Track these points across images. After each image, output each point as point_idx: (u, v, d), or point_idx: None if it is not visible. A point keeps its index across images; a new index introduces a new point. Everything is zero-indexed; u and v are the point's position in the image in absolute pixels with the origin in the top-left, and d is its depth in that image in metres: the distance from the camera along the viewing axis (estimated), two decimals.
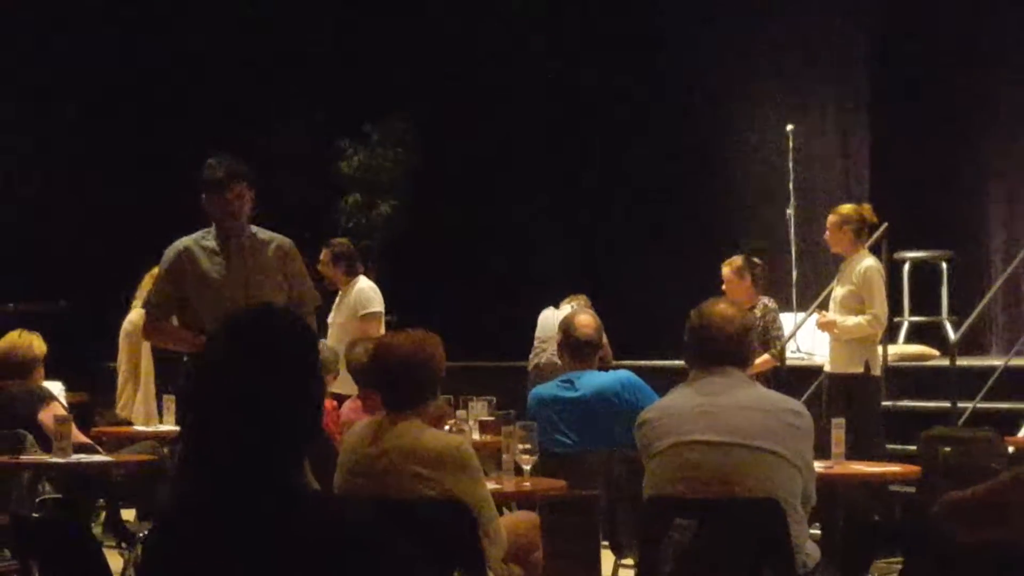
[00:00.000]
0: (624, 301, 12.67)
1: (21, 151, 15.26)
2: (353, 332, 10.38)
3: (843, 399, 9.39)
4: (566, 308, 11.40)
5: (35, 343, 8.85)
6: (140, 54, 15.96)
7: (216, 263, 7.19)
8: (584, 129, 15.17)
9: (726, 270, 10.34)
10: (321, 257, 11.00)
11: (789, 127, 12.26)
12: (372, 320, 10.67)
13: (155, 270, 10.53)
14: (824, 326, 9.67)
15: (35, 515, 7.74)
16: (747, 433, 5.24)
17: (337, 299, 11.03)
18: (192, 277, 7.17)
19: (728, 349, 5.42)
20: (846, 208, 9.80)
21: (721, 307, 5.58)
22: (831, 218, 9.70)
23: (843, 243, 9.65)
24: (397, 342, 5.60)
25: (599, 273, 13.81)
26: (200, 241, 7.23)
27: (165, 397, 9.90)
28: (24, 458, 8.13)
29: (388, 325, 10.83)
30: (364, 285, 10.91)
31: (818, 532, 6.66)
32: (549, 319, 11.95)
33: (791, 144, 12.23)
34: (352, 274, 10.94)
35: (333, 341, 10.35)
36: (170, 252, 7.27)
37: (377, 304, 10.78)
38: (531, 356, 12.29)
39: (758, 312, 10.08)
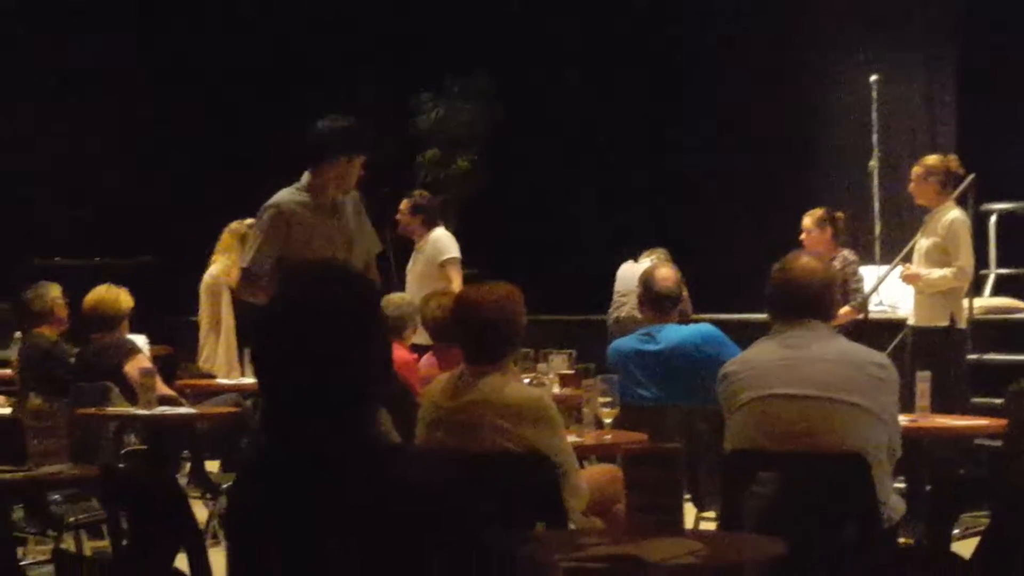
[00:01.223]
0: (704, 254, 12.60)
1: (108, 116, 15.37)
2: (433, 281, 10.45)
3: (928, 352, 9.30)
4: (645, 261, 11.35)
5: (122, 297, 8.94)
6: (213, 14, 16.03)
7: (318, 222, 7.20)
8: (664, 83, 15.07)
9: (807, 220, 10.29)
10: (400, 207, 11.03)
11: (873, 77, 12.09)
12: (452, 265, 10.72)
13: (235, 225, 10.71)
14: (909, 279, 9.58)
15: (122, 466, 7.84)
16: (831, 386, 5.20)
17: (414, 251, 11.06)
18: (297, 237, 7.16)
19: (811, 302, 5.38)
20: (931, 159, 9.69)
21: (804, 260, 5.53)
22: (916, 169, 9.60)
23: (928, 195, 9.55)
24: (480, 296, 5.58)
25: (679, 226, 13.72)
26: (298, 199, 7.21)
27: (247, 350, 9.95)
28: (110, 410, 8.22)
29: (467, 279, 10.84)
30: (440, 234, 10.94)
31: (903, 486, 6.62)
32: (628, 272, 11.90)
33: (875, 95, 12.08)
34: (430, 226, 10.97)
35: (412, 292, 10.39)
36: (270, 213, 7.21)
37: (454, 250, 10.82)
38: (610, 310, 12.26)
39: (837, 264, 10.02)
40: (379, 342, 3.06)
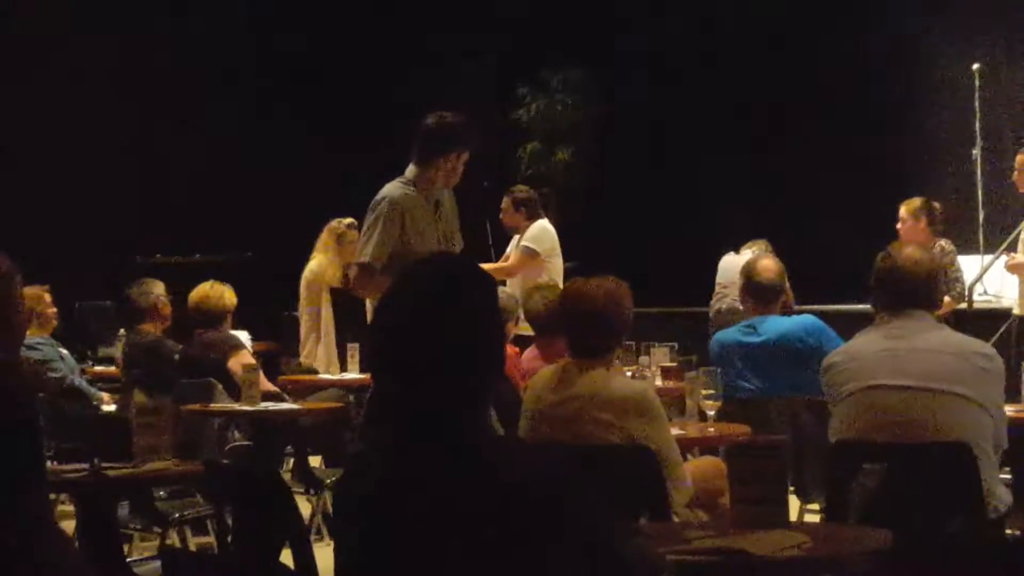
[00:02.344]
0: (805, 245, 12.51)
1: (208, 114, 15.52)
2: (528, 272, 10.47)
3: None
4: (747, 253, 11.30)
5: (226, 294, 9.00)
6: (310, 9, 16.14)
7: (426, 215, 7.22)
8: (763, 75, 15.00)
9: (903, 211, 10.20)
10: (503, 205, 11.04)
11: (975, 66, 11.97)
12: (527, 255, 10.68)
13: (334, 224, 10.79)
14: (1014, 268, 9.48)
15: (226, 462, 7.90)
16: (936, 376, 5.15)
17: (512, 244, 11.06)
18: (409, 230, 7.17)
19: (917, 292, 5.34)
20: None
21: (909, 250, 5.48)
22: (1020, 158, 9.51)
23: None
24: (588, 290, 5.56)
25: (779, 217, 13.65)
26: (408, 194, 7.23)
27: (349, 346, 10.00)
28: (214, 406, 8.28)
29: (569, 272, 10.81)
30: (537, 226, 10.91)
31: (1009, 477, 6.54)
32: (730, 264, 11.85)
33: (977, 83, 11.95)
34: (533, 219, 10.96)
35: (511, 286, 10.40)
36: (386, 205, 7.18)
37: (535, 241, 10.76)
38: (712, 301, 12.21)
39: (935, 254, 9.90)
40: (496, 337, 3.07)
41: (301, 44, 16.02)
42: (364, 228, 7.35)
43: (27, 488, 3.81)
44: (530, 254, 10.72)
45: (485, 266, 10.06)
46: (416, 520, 2.94)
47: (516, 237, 11.03)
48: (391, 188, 7.24)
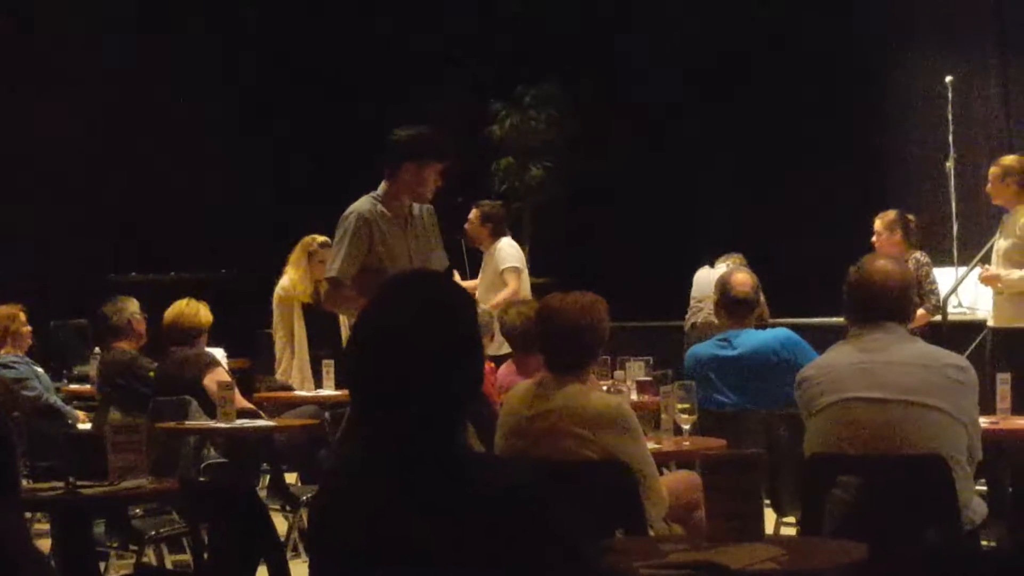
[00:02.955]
0: (779, 259, 12.55)
1: (183, 129, 15.50)
2: (498, 290, 10.50)
3: (1008, 354, 9.20)
4: (721, 267, 11.33)
5: (202, 312, 8.99)
6: (302, 25, 16.16)
7: (395, 231, 7.21)
8: (738, 88, 15.04)
9: (878, 223, 10.22)
10: (470, 216, 11.05)
11: (948, 78, 12.02)
12: (510, 274, 10.73)
13: (307, 239, 10.75)
14: (987, 280, 9.50)
15: (202, 479, 7.88)
16: (910, 389, 5.16)
17: (483, 262, 11.08)
18: (378, 245, 7.17)
19: (889, 304, 5.34)
20: (1009, 159, 9.59)
21: (881, 262, 5.49)
22: (993, 170, 9.52)
23: (1006, 195, 9.45)
24: (565, 305, 5.56)
25: (753, 231, 13.68)
26: (377, 208, 7.23)
27: (324, 362, 9.99)
28: (189, 423, 8.27)
29: (538, 287, 10.83)
30: (503, 243, 10.94)
31: (984, 489, 6.56)
32: (704, 278, 11.88)
33: (950, 95, 12.00)
34: (497, 235, 10.98)
35: (480, 301, 10.42)
36: (353, 220, 7.19)
37: (514, 259, 10.81)
38: (687, 315, 12.23)
39: (910, 267, 9.91)
40: (474, 354, 3.07)
41: (279, 64, 16.02)
42: (334, 243, 7.37)
43: (2, 507, 3.79)
44: (518, 272, 10.76)
45: (499, 297, 10.13)
46: (392, 537, 2.93)
47: (485, 257, 11.02)
48: (360, 203, 7.26)
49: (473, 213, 11.07)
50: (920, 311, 9.75)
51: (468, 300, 3.15)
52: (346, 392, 8.43)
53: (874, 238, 10.11)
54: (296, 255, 10.95)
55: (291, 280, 10.91)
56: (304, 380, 10.75)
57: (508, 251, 10.89)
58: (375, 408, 3.01)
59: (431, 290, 3.11)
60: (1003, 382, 7.05)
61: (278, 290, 11.04)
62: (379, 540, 2.95)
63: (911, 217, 10.29)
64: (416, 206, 7.33)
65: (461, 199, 11.15)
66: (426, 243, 7.32)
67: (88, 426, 9.33)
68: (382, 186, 7.28)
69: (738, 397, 7.21)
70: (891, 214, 10.20)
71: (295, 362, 10.92)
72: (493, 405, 7.05)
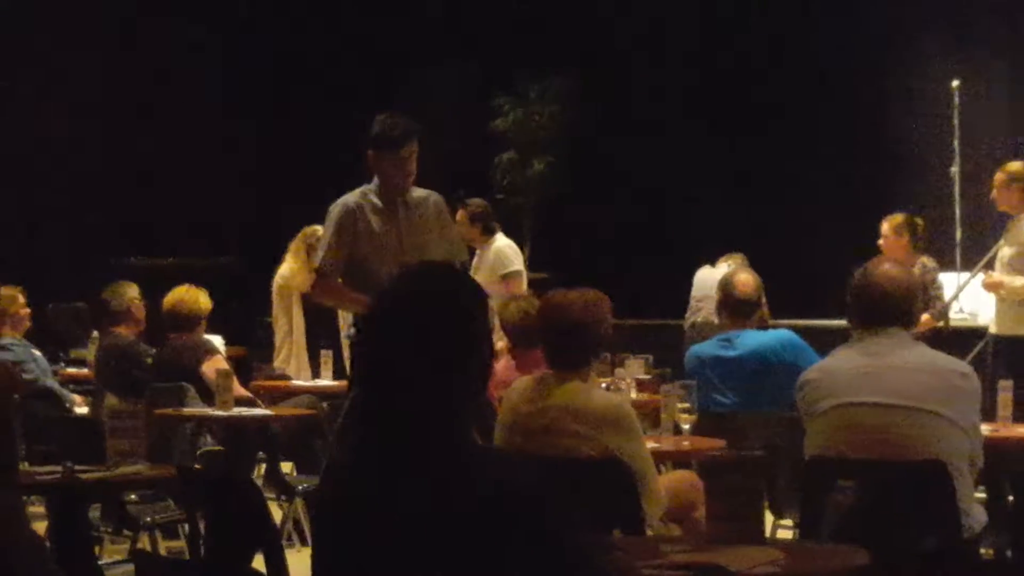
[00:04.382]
0: (781, 260, 12.52)
1: (184, 116, 15.49)
2: (493, 292, 10.41)
3: (1010, 361, 9.18)
4: (723, 267, 11.31)
5: (201, 299, 8.96)
6: (304, 15, 16.14)
7: (385, 222, 7.17)
8: (741, 88, 15.03)
9: (885, 226, 10.18)
10: (457, 218, 10.95)
11: (955, 83, 11.99)
12: (514, 279, 10.67)
13: (308, 229, 10.72)
14: (991, 287, 9.48)
15: (198, 467, 7.86)
16: (912, 395, 5.14)
17: (476, 259, 10.99)
18: (364, 236, 7.14)
19: (893, 310, 5.32)
20: (1014, 166, 9.57)
21: (886, 267, 5.47)
22: (998, 176, 9.49)
23: (1011, 201, 9.44)
24: (568, 302, 5.53)
25: (756, 231, 13.67)
26: (366, 199, 7.20)
27: (322, 352, 9.97)
28: (187, 411, 8.25)
29: (537, 283, 10.80)
30: (502, 244, 10.87)
31: (984, 496, 6.54)
32: (705, 278, 11.85)
33: (956, 100, 11.97)
34: (489, 233, 10.91)
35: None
36: (338, 211, 7.19)
37: (517, 262, 10.77)
38: (687, 315, 12.20)
39: (916, 271, 9.88)
40: (484, 346, 3.06)
41: (283, 51, 16.00)
42: (322, 235, 7.37)
43: None
44: (518, 275, 10.71)
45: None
46: (395, 528, 2.92)
47: (478, 254, 10.93)
48: (348, 195, 7.25)
49: (460, 215, 10.95)
50: (925, 316, 9.72)
51: (479, 293, 3.13)
52: (343, 383, 8.43)
53: (881, 241, 10.08)
54: (296, 245, 10.94)
55: (290, 269, 10.90)
56: (301, 369, 10.74)
57: (509, 253, 10.80)
58: (380, 399, 2.99)
59: (441, 283, 3.09)
60: (1004, 389, 7.03)
61: (277, 279, 11.04)
62: (382, 532, 2.94)
63: (919, 221, 10.25)
64: (423, 197, 7.28)
65: (463, 192, 11.12)
66: (424, 234, 7.26)
67: (85, 410, 9.32)
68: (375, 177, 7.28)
69: (738, 398, 7.19)
70: (899, 217, 10.15)
71: (293, 351, 10.92)
72: (492, 400, 7.02)
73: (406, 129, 7.12)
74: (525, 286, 10.75)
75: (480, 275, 10.84)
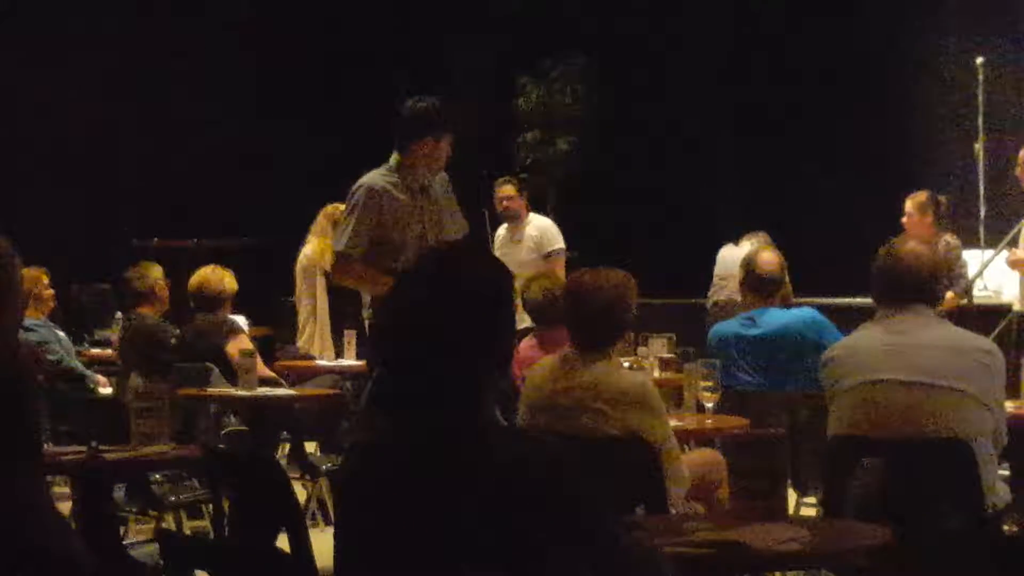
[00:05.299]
0: (806, 237, 12.49)
1: (208, 96, 15.50)
2: (533, 268, 10.38)
3: None
4: (746, 245, 11.26)
5: (227, 279, 8.96)
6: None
7: (407, 203, 7.16)
8: (764, 65, 14.99)
9: (909, 204, 10.16)
10: (506, 191, 10.86)
11: (979, 59, 11.94)
12: (560, 258, 10.64)
13: (330, 208, 10.70)
14: (1015, 264, 9.45)
15: (222, 447, 7.89)
16: (936, 372, 5.14)
17: (507, 232, 10.91)
18: (387, 218, 7.13)
19: (918, 287, 5.31)
20: None
21: (911, 245, 5.47)
22: (1022, 153, 9.46)
23: None
24: (594, 282, 5.51)
25: (780, 209, 13.63)
26: (387, 179, 7.19)
27: (346, 332, 9.98)
28: (211, 391, 8.27)
29: (569, 262, 10.77)
30: (547, 223, 10.85)
31: (1008, 473, 6.53)
32: (729, 256, 11.81)
33: (980, 77, 11.92)
34: (528, 209, 10.92)
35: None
36: (362, 192, 7.16)
37: (561, 240, 10.75)
38: (710, 293, 12.17)
39: (940, 249, 9.86)
40: (508, 325, 3.06)
41: (302, 32, 15.99)
42: (343, 217, 7.35)
43: (25, 470, 3.79)
44: (562, 254, 10.69)
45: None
46: (418, 507, 2.93)
47: (509, 228, 10.86)
48: (370, 176, 7.22)
49: (508, 188, 10.88)
50: (949, 294, 9.70)
51: (504, 273, 3.13)
52: (366, 363, 8.43)
53: (904, 219, 10.05)
54: (320, 223, 10.93)
55: (314, 249, 10.91)
56: (325, 349, 10.74)
57: (555, 231, 10.76)
58: (403, 380, 3.00)
59: (466, 262, 3.09)
60: None
61: (301, 258, 11.05)
62: (405, 511, 2.94)
63: (943, 199, 10.22)
64: (430, 176, 7.28)
65: (486, 172, 11.10)
66: (440, 212, 7.27)
67: (109, 391, 9.34)
68: (394, 158, 7.23)
69: (761, 376, 7.18)
70: (922, 195, 10.13)
71: (316, 330, 10.92)
72: (514, 379, 7.03)
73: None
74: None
75: (520, 252, 10.76)
